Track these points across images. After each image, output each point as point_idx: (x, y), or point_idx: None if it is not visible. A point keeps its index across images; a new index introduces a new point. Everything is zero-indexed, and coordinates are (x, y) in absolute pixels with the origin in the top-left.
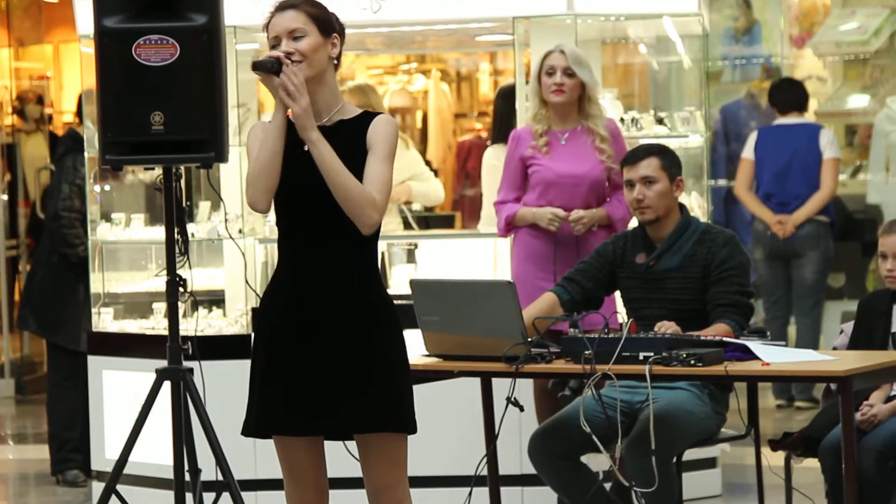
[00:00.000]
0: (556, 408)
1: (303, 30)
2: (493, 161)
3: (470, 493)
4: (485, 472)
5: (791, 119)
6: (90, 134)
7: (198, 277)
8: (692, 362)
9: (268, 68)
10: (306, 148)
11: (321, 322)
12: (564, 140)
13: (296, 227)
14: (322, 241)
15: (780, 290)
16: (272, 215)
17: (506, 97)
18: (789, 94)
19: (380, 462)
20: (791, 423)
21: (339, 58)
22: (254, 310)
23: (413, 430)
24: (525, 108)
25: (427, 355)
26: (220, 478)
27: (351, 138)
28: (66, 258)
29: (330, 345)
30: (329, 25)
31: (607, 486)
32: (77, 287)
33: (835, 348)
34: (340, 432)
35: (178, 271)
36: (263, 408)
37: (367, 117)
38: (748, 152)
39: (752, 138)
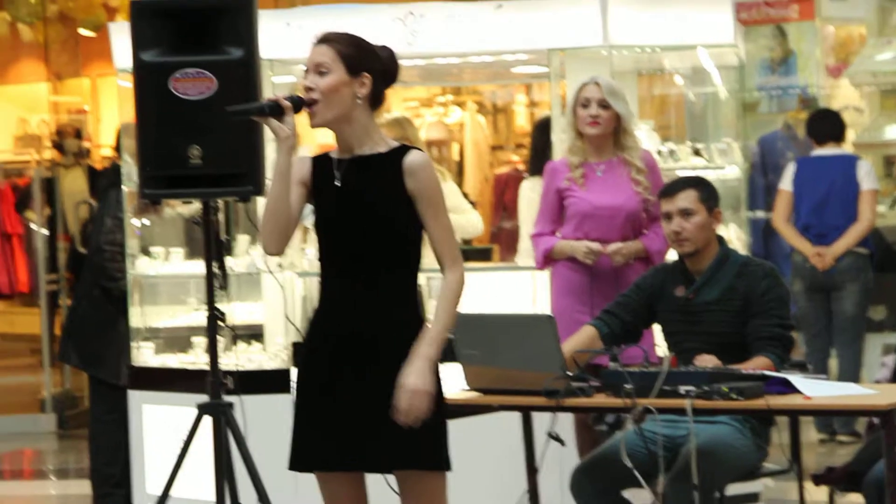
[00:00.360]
0: (597, 442)
1: (328, 66)
2: (531, 193)
3: None
4: None
5: (828, 150)
6: (128, 168)
7: (237, 311)
8: (733, 396)
9: (252, 112)
10: (338, 183)
11: (359, 356)
12: (601, 172)
13: (335, 261)
14: (361, 274)
15: (821, 322)
16: (311, 248)
17: (543, 129)
18: (826, 124)
19: (417, 498)
20: (833, 457)
21: (374, 96)
22: (295, 344)
23: (446, 468)
24: (561, 140)
25: (467, 389)
26: None
27: (382, 174)
28: (108, 291)
29: (367, 379)
30: (359, 64)
31: None
32: (118, 321)
33: (877, 381)
34: (376, 468)
35: (218, 305)
36: (303, 442)
37: (401, 152)
38: (786, 184)
39: (790, 170)
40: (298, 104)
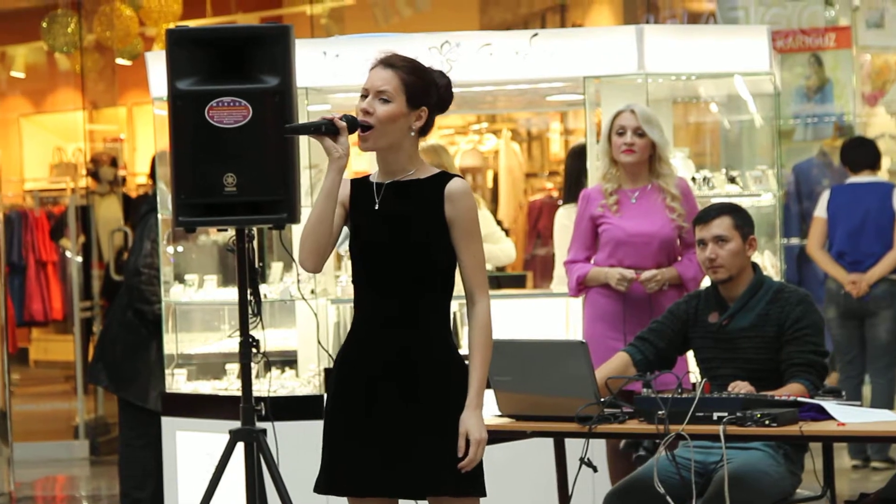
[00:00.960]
0: (630, 468)
1: (390, 95)
2: (565, 221)
3: None
4: None
5: (863, 178)
6: (163, 195)
7: (270, 338)
8: (767, 422)
9: (310, 129)
10: (377, 206)
11: (393, 380)
12: (635, 199)
13: (370, 283)
14: (396, 298)
15: (854, 349)
16: (345, 275)
17: (577, 157)
18: (861, 152)
19: None
20: (867, 483)
21: (427, 128)
22: (327, 369)
23: (482, 493)
24: (596, 168)
25: (500, 415)
26: None
27: (422, 199)
28: (142, 315)
29: (401, 404)
30: (420, 97)
31: None
32: (150, 344)
33: None
34: (410, 494)
35: (251, 332)
36: (336, 466)
37: (442, 179)
38: (821, 211)
39: (825, 197)
40: (353, 125)
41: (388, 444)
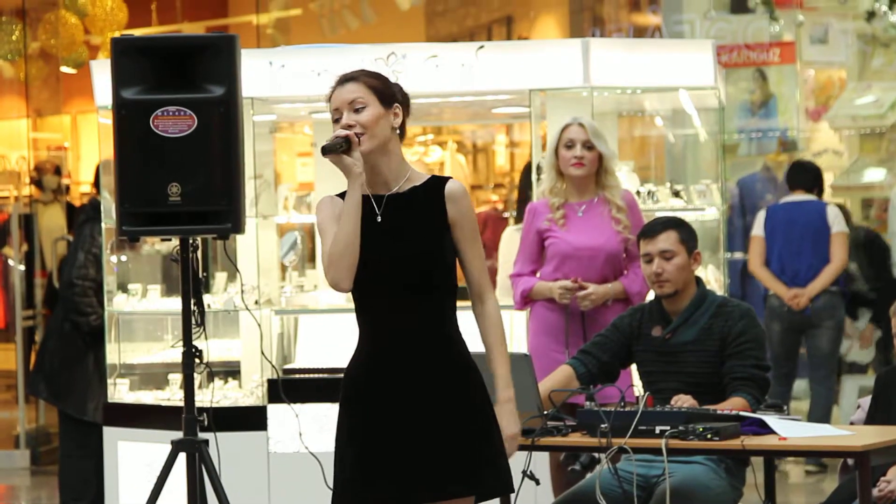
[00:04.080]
0: (573, 481)
1: (363, 100)
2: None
3: None
4: None
5: (797, 197)
6: (107, 204)
7: (214, 348)
8: (709, 436)
9: (336, 149)
10: (379, 219)
11: (409, 386)
12: (581, 212)
13: (376, 295)
14: (405, 307)
15: (791, 363)
16: (289, 286)
17: (530, 172)
18: (799, 174)
19: None
20: (812, 497)
21: (402, 127)
22: (270, 380)
23: (511, 490)
24: (540, 181)
25: None
26: None
27: (425, 206)
28: (79, 326)
29: (423, 410)
30: (389, 96)
31: None
32: (87, 356)
33: (852, 423)
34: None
35: (195, 342)
36: (366, 478)
37: (439, 182)
38: (758, 230)
39: (761, 216)
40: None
41: (407, 452)
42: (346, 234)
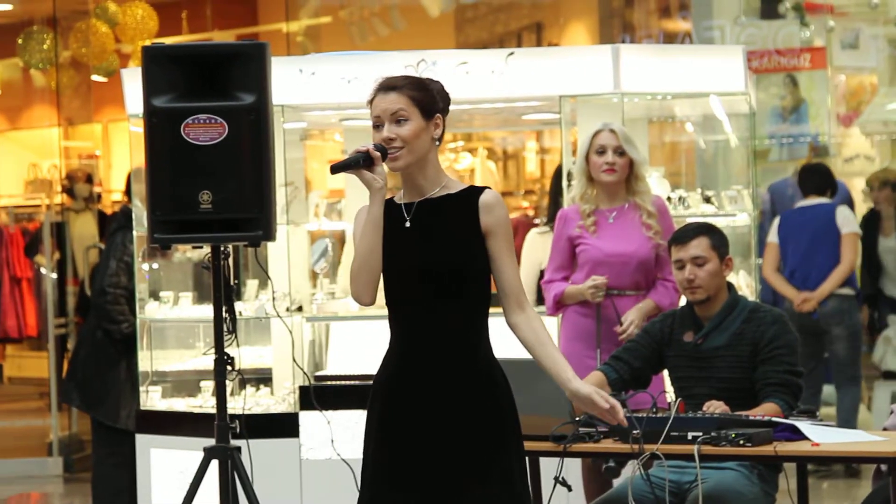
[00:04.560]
0: (605, 487)
1: (405, 113)
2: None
3: None
4: None
5: (810, 201)
6: (139, 212)
7: (245, 356)
8: (741, 442)
9: (354, 165)
10: (408, 224)
11: (437, 396)
12: (612, 218)
13: (406, 302)
14: (436, 315)
15: (812, 363)
16: (320, 293)
17: (560, 177)
18: (811, 177)
19: None
20: (848, 501)
21: (441, 135)
22: (302, 387)
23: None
24: (570, 187)
25: None
26: None
27: (457, 213)
28: (111, 334)
29: (451, 418)
30: (432, 107)
31: None
32: (119, 364)
33: (885, 429)
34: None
35: (226, 350)
36: (375, 480)
37: (473, 192)
38: (773, 236)
39: (776, 223)
40: (384, 153)
41: (431, 464)
42: (365, 249)
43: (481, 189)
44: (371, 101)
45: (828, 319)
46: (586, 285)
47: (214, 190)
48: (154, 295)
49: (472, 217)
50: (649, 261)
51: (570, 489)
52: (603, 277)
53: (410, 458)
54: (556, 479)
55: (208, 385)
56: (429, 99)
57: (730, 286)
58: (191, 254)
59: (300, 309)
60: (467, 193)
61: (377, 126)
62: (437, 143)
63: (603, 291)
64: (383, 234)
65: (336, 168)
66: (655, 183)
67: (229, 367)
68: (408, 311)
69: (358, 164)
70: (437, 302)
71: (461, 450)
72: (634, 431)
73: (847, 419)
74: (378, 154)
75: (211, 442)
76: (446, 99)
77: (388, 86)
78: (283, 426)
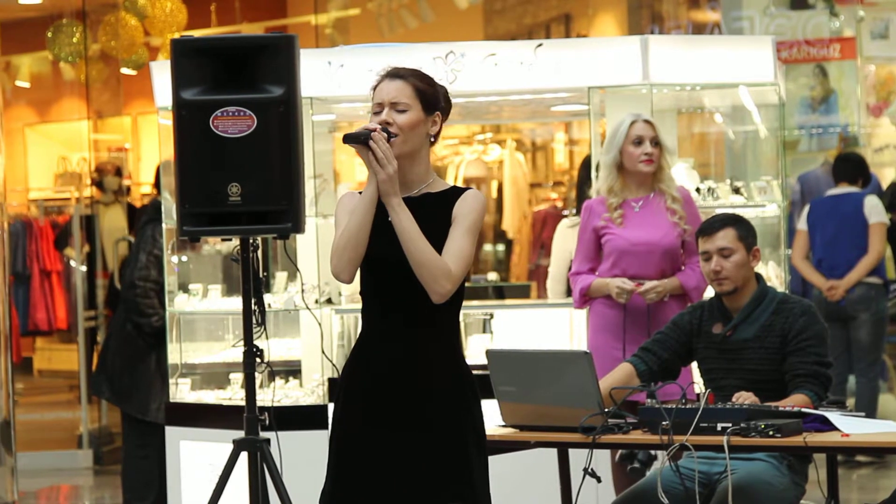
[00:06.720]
0: (634, 479)
1: (406, 104)
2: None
3: None
4: None
5: (840, 189)
6: (168, 205)
7: (274, 348)
8: (771, 433)
9: (360, 140)
10: (391, 218)
11: (399, 390)
12: (638, 207)
13: (379, 293)
14: (405, 309)
15: (838, 349)
16: (347, 287)
17: (588, 167)
18: (843, 167)
19: None
20: (875, 494)
21: (437, 135)
22: (331, 379)
23: (488, 502)
24: (596, 178)
25: (503, 426)
26: None
27: (435, 211)
28: (140, 327)
29: (409, 412)
30: (433, 103)
31: None
32: (149, 356)
33: None
34: (416, 501)
35: (256, 342)
36: (340, 477)
37: (455, 192)
38: (801, 224)
39: (805, 210)
40: (388, 136)
41: (396, 454)
42: (354, 226)
43: (464, 189)
44: (375, 87)
45: (855, 306)
46: (614, 283)
47: (243, 182)
48: (183, 287)
49: (446, 214)
50: (675, 249)
51: (599, 480)
52: (632, 283)
53: (363, 456)
54: (586, 470)
55: (237, 377)
56: (432, 93)
57: (759, 277)
58: (220, 246)
59: (329, 301)
60: (450, 193)
61: (377, 112)
62: (433, 141)
63: (628, 295)
64: None
65: (348, 138)
66: (684, 174)
67: (258, 360)
68: (380, 304)
69: (365, 142)
70: (407, 297)
71: (421, 455)
72: (664, 423)
73: (866, 406)
74: (384, 135)
75: (240, 434)
76: (449, 102)
77: (394, 73)
78: (312, 418)
